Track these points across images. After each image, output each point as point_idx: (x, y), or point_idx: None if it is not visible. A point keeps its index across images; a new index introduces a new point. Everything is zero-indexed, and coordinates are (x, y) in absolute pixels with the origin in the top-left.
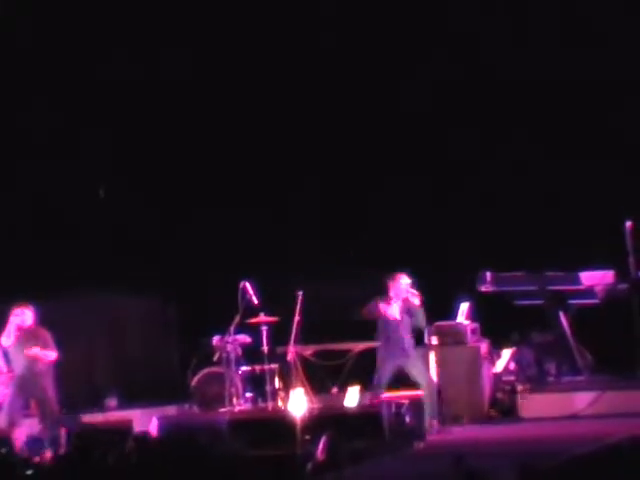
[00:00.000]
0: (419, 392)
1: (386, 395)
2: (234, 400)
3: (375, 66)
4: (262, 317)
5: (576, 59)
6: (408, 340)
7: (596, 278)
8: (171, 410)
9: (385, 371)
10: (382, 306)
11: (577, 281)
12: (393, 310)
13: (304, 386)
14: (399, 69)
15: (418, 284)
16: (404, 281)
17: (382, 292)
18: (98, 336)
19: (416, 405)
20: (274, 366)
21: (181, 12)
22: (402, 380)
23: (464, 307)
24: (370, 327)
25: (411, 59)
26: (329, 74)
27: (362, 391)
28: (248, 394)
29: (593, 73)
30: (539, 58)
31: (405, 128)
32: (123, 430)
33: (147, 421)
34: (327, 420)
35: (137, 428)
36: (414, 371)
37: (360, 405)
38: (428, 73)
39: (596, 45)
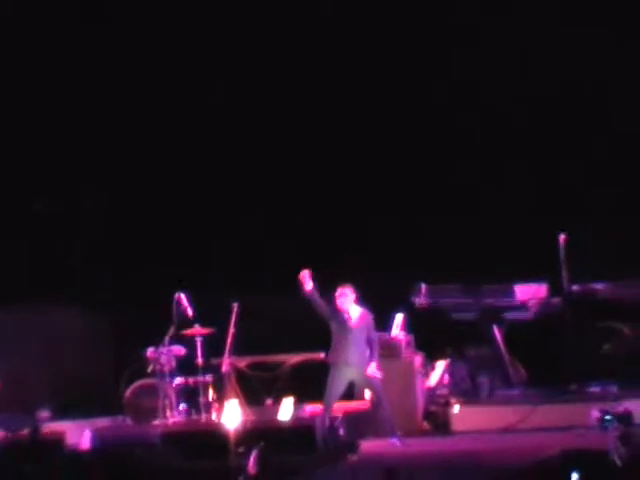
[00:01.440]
0: (356, 404)
1: (319, 408)
2: (167, 412)
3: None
4: (197, 329)
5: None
6: (362, 350)
7: (530, 292)
8: (104, 422)
9: (339, 383)
10: (341, 301)
11: (511, 295)
12: (352, 312)
13: (238, 398)
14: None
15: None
16: (349, 293)
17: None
18: (33, 349)
19: (350, 418)
20: (208, 378)
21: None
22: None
23: (398, 319)
24: (306, 339)
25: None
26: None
27: (296, 403)
28: (182, 406)
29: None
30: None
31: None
32: (55, 443)
33: (80, 434)
34: (261, 433)
35: (70, 441)
36: (364, 383)
37: (294, 418)
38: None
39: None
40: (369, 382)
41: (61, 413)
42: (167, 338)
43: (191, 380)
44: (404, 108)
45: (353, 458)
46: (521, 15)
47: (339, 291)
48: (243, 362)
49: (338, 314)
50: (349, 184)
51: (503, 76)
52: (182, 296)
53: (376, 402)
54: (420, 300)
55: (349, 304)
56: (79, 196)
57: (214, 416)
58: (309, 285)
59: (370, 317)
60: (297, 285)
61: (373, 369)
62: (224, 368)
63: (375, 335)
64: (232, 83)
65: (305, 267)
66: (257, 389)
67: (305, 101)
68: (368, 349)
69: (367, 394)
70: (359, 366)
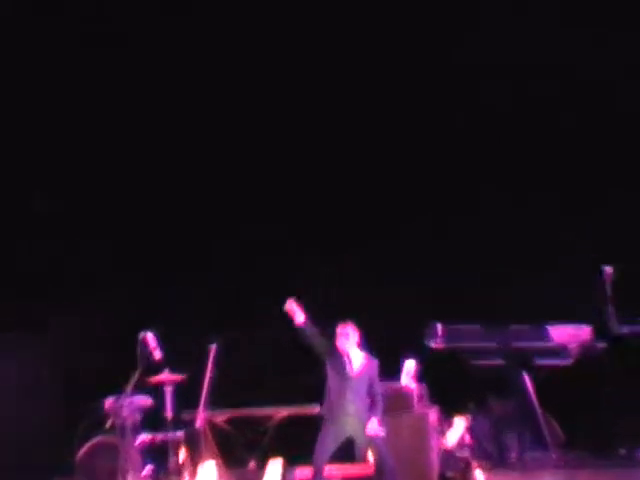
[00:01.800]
0: (354, 468)
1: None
2: (129, 476)
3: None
4: (166, 375)
5: None
6: (363, 402)
7: (568, 334)
8: None
9: (331, 440)
10: (340, 342)
11: (545, 337)
12: (353, 356)
13: (215, 459)
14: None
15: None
16: (351, 333)
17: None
18: None
19: None
20: (179, 434)
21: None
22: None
23: (410, 366)
24: (297, 389)
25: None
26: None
27: (285, 466)
28: (147, 469)
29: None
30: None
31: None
32: None
33: None
34: None
35: None
36: (365, 442)
37: None
38: None
39: None
40: (370, 441)
41: (4, 474)
42: (130, 386)
43: (159, 437)
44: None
45: None
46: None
47: (339, 330)
48: (221, 416)
49: (336, 357)
50: (350, 202)
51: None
52: (149, 336)
53: (379, 465)
54: (435, 343)
55: (350, 346)
56: None
57: None
58: (300, 317)
59: (375, 364)
60: (286, 320)
61: (375, 426)
62: (198, 423)
63: (379, 386)
64: (229, 83)
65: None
66: (238, 448)
67: (305, 110)
68: (370, 402)
69: (370, 456)
70: (359, 421)
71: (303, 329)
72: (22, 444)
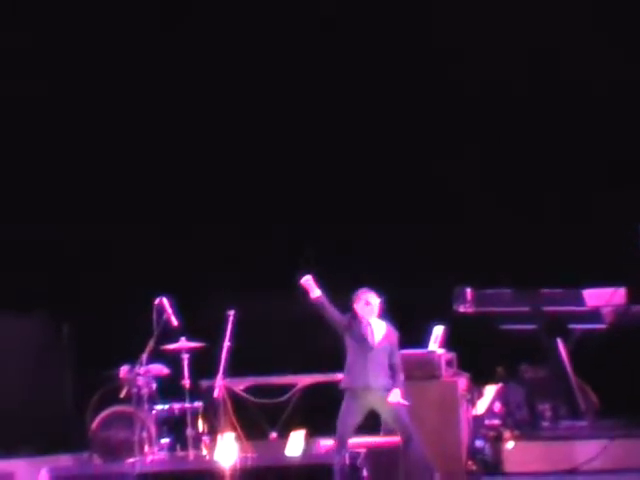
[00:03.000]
0: (380, 439)
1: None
2: (146, 448)
3: None
4: (183, 342)
5: None
6: (384, 373)
7: (603, 297)
8: (65, 460)
9: (354, 412)
10: (361, 311)
11: (579, 301)
12: (375, 326)
13: (235, 430)
14: None
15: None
16: (373, 300)
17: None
18: None
19: (375, 456)
20: (197, 405)
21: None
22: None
23: (438, 332)
24: (320, 356)
25: None
26: None
27: (308, 437)
28: (164, 440)
29: None
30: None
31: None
32: None
33: (35, 475)
34: (263, 473)
35: None
36: (388, 413)
37: (305, 455)
38: None
39: None
40: (393, 412)
41: (8, 448)
42: (145, 354)
43: (176, 407)
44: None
45: None
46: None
47: (360, 297)
48: (241, 385)
49: (357, 326)
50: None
51: None
52: (165, 301)
53: (404, 437)
54: (464, 308)
55: (372, 315)
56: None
57: (205, 452)
58: (315, 292)
59: (395, 336)
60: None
61: (396, 396)
62: (217, 393)
63: (399, 358)
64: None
65: (308, 272)
66: (258, 419)
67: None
68: (391, 373)
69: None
70: (381, 392)
71: (319, 304)
72: (34, 414)
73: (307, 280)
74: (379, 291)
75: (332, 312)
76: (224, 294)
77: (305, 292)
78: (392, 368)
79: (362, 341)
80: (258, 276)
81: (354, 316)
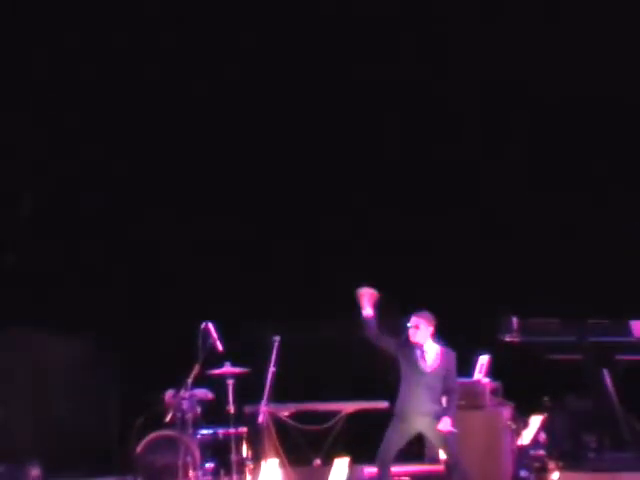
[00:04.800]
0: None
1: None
2: (190, 472)
3: None
4: (228, 367)
5: None
6: (436, 398)
7: None
8: None
9: (399, 436)
10: (414, 335)
11: (626, 332)
12: (428, 350)
13: (279, 456)
14: None
15: None
16: (425, 324)
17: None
18: (13, 385)
19: None
20: (241, 430)
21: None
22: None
23: (483, 361)
24: (365, 383)
25: None
26: None
27: (352, 465)
28: (208, 465)
29: None
30: None
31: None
32: None
33: None
34: None
35: None
36: (436, 440)
37: None
38: None
39: None
40: (442, 439)
41: (53, 471)
42: (190, 379)
43: (220, 432)
44: None
45: None
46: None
47: (413, 320)
48: (285, 411)
49: (409, 350)
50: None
51: None
52: (210, 326)
53: (452, 465)
54: (511, 337)
55: (425, 339)
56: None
57: (248, 478)
58: (368, 310)
59: (452, 357)
60: (354, 313)
61: (447, 424)
62: (261, 418)
63: (456, 382)
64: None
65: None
66: (302, 445)
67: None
68: (445, 398)
69: (441, 454)
70: (432, 418)
71: (368, 323)
72: (79, 436)
73: (365, 291)
74: (431, 315)
75: (382, 336)
76: (271, 321)
77: (359, 304)
78: (447, 392)
79: (414, 365)
80: (305, 304)
81: (407, 339)
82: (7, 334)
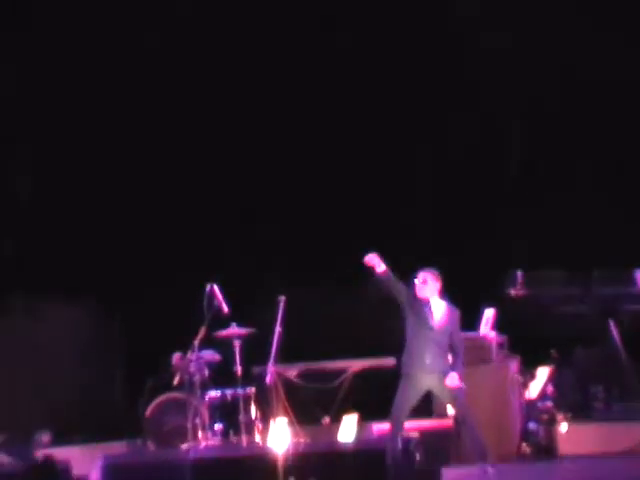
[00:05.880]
0: (435, 422)
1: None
2: (199, 434)
3: None
4: (234, 329)
5: None
6: (443, 355)
7: None
8: (119, 448)
9: (410, 395)
10: (421, 291)
11: (632, 282)
12: (435, 306)
13: (287, 416)
14: None
15: None
16: (432, 280)
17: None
18: (22, 353)
19: (429, 440)
20: (249, 391)
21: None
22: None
23: (489, 315)
24: (372, 340)
25: None
26: None
27: (360, 422)
28: (217, 426)
29: None
30: None
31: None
32: (58, 474)
33: (89, 462)
34: (316, 459)
35: (76, 471)
36: (445, 396)
37: (358, 440)
38: None
39: None
40: (450, 395)
41: (63, 436)
42: (197, 341)
43: (228, 394)
44: None
45: None
46: None
47: (420, 277)
48: (293, 371)
49: (418, 305)
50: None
51: None
52: (216, 288)
53: (460, 419)
54: (516, 291)
55: (432, 295)
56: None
57: (257, 438)
58: (381, 267)
59: (456, 314)
60: (359, 274)
61: (454, 379)
62: (269, 378)
63: (461, 338)
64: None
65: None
66: (311, 404)
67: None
68: (451, 354)
69: (450, 410)
70: (439, 374)
71: (383, 278)
72: (86, 401)
73: (372, 257)
74: (438, 271)
75: (395, 285)
76: (276, 280)
77: (371, 269)
78: (452, 349)
79: (422, 321)
80: (309, 263)
81: (414, 295)
82: (8, 302)
